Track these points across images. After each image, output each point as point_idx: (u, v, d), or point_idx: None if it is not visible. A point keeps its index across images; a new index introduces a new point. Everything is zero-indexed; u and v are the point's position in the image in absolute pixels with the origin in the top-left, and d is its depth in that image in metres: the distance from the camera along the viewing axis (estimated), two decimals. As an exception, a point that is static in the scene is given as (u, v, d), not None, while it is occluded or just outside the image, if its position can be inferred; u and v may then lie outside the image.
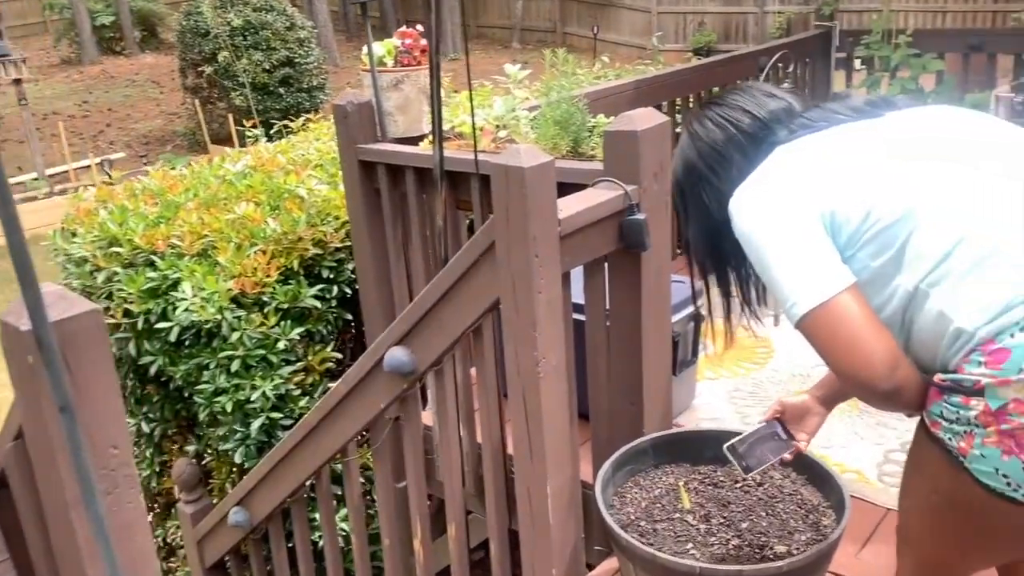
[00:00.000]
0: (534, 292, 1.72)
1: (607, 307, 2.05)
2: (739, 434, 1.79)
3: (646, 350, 2.09)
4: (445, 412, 2.10)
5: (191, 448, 3.12)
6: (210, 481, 3.18)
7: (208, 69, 10.56)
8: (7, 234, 0.97)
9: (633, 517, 1.95)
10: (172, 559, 3.46)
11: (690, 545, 1.85)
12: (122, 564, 1.12)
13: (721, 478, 2.07)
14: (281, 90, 10.65)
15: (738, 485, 2.03)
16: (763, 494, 1.99)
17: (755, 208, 1.33)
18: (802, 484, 2.01)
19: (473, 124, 1.92)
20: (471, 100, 1.86)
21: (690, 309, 2.67)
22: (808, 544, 1.82)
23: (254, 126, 5.00)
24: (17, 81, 9.72)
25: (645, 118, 1.96)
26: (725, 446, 1.76)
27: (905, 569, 1.52)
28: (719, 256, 1.55)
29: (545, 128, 2.32)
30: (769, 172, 1.36)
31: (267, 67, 10.51)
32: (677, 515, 1.95)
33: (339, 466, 2.63)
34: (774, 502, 1.97)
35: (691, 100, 4.08)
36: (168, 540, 3.43)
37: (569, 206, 1.82)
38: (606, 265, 2.01)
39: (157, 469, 3.27)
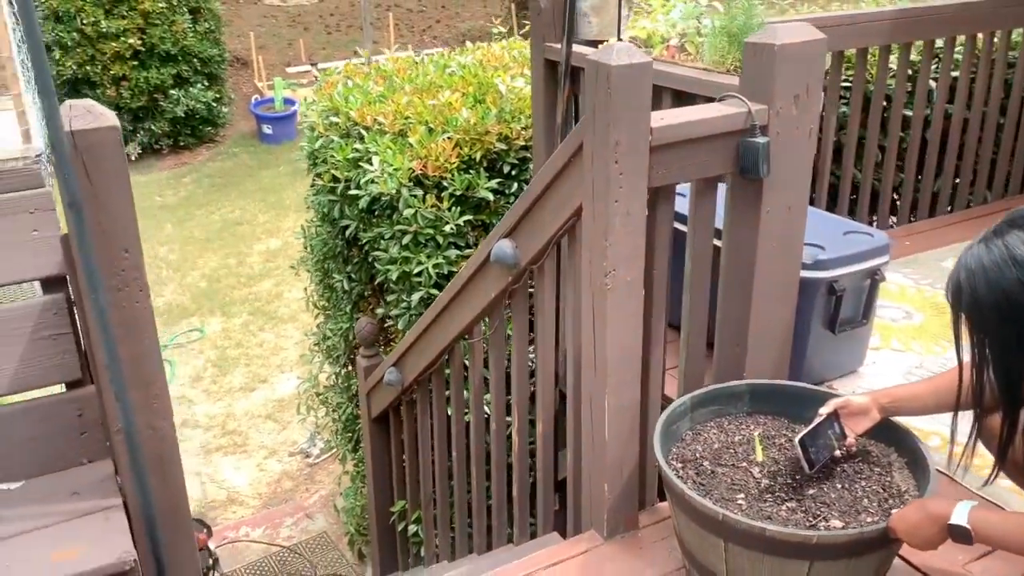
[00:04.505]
0: (610, 201, 1.67)
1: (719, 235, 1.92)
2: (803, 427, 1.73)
3: (759, 289, 1.93)
4: (543, 313, 2.12)
5: (380, 311, 3.43)
6: (391, 343, 3.49)
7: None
8: (34, 62, 1.15)
9: (698, 455, 1.86)
10: (360, 407, 3.87)
11: (741, 496, 1.74)
12: (127, 358, 1.31)
13: (813, 441, 1.90)
14: None
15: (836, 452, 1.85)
16: (850, 468, 1.80)
17: None
18: (899, 467, 1.79)
19: (619, 16, 1.85)
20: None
21: (867, 264, 2.41)
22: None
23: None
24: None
25: (792, 32, 1.76)
26: (797, 439, 1.72)
27: None
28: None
29: (715, 40, 2.16)
30: None
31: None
32: (744, 464, 1.83)
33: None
34: (858, 478, 1.77)
35: (980, 41, 3.51)
36: (360, 389, 3.83)
37: (671, 116, 1.71)
38: (722, 188, 1.87)
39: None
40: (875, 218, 3.64)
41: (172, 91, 9.59)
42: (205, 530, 3.94)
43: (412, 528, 3.35)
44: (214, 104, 10.08)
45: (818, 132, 3.35)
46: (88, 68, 9.08)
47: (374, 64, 3.74)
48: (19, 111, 4.95)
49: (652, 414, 1.97)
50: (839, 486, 1.76)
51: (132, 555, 1.26)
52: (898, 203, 3.70)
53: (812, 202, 3.59)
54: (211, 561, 3.98)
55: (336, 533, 4.46)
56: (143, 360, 1.32)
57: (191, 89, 9.76)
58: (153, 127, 9.74)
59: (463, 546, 2.96)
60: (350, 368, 3.97)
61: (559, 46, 2.64)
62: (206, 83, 9.95)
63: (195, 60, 9.74)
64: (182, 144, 10.13)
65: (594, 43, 2.66)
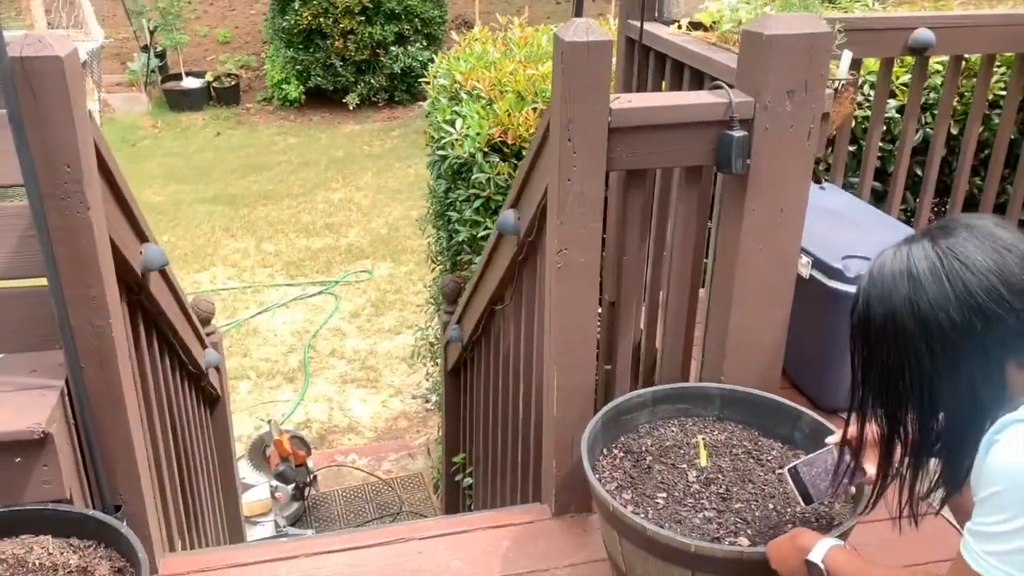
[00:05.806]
0: (563, 179, 1.66)
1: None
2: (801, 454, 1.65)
3: (740, 292, 1.84)
4: (539, 286, 2.13)
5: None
6: (476, 304, 3.61)
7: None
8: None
9: (644, 449, 1.83)
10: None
11: (663, 495, 1.71)
12: (65, 258, 1.53)
13: (771, 458, 1.80)
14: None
15: (781, 470, 1.75)
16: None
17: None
18: (846, 500, 1.66)
19: None
20: None
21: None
22: (775, 554, 1.54)
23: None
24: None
25: (789, 23, 1.65)
26: (787, 468, 1.59)
27: None
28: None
29: (762, 27, 2.04)
30: None
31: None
32: (684, 466, 1.78)
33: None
34: (794, 502, 1.66)
35: None
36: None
37: (637, 100, 1.67)
38: (705, 179, 1.80)
39: (452, 280, 3.79)
40: None
41: (392, 48, 10.20)
42: (305, 449, 4.31)
43: (467, 481, 3.48)
44: (430, 64, 10.58)
45: (959, 136, 3.04)
46: (321, 20, 9.87)
47: (508, 31, 3.82)
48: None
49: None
50: (770, 507, 1.67)
51: (41, 427, 1.48)
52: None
53: (943, 213, 3.28)
54: (310, 478, 4.35)
55: (429, 476, 4.70)
56: (82, 263, 1.52)
57: (410, 47, 10.32)
58: (372, 81, 10.43)
59: (494, 504, 3.05)
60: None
61: (635, 23, 2.59)
62: (424, 43, 10.48)
63: (416, 20, 10.28)
64: (396, 99, 10.76)
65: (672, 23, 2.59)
